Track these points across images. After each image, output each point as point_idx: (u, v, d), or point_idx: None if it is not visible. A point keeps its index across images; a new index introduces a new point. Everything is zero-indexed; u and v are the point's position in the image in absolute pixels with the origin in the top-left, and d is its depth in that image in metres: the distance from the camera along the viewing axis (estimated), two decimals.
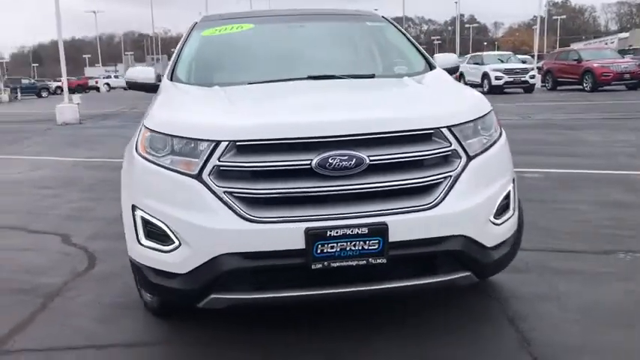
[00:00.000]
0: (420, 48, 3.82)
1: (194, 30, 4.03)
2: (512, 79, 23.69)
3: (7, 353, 2.86)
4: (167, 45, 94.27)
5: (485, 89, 23.38)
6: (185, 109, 2.91)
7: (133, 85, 3.81)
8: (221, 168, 2.47)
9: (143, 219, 2.62)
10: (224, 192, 2.45)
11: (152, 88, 3.69)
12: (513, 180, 2.91)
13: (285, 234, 2.39)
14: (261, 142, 2.48)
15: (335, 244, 2.40)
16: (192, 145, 2.53)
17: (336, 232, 2.40)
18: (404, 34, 3.98)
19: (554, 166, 7.21)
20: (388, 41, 4.05)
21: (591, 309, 3.11)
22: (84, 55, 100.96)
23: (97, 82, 59.66)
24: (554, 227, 4.57)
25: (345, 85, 3.35)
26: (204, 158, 2.48)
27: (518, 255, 3.03)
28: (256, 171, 2.47)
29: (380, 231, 2.42)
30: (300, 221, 2.41)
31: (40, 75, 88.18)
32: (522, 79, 23.74)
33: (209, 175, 2.47)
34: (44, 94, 48.04)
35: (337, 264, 2.43)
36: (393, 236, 2.44)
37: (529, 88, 23.99)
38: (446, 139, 2.59)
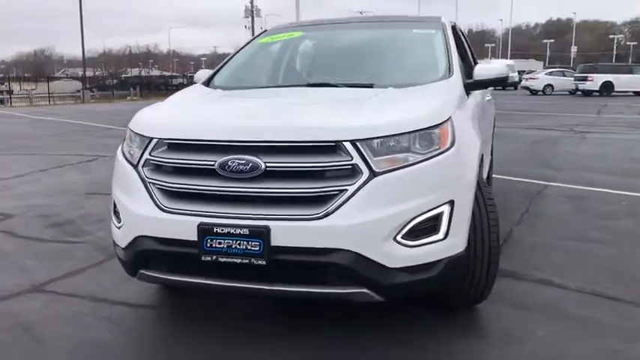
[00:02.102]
0: (452, 58, 3.63)
1: (259, 36, 4.42)
2: None
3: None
4: None
5: None
6: (157, 109, 3.31)
7: None
8: (150, 161, 2.84)
9: (112, 200, 3.13)
10: (149, 182, 2.81)
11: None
12: (452, 202, 2.71)
13: (183, 225, 2.67)
14: (176, 141, 2.79)
15: (222, 241, 2.60)
16: (139, 140, 2.95)
17: (222, 230, 2.59)
18: (446, 43, 3.80)
19: None
20: (423, 50, 3.93)
21: None
22: None
23: None
24: None
25: (316, 95, 3.42)
26: (141, 152, 2.88)
27: None
28: (172, 167, 2.78)
29: (261, 234, 2.54)
30: (196, 215, 2.66)
31: None
32: None
33: (142, 166, 2.86)
34: None
35: (224, 259, 2.61)
36: (275, 240, 2.54)
37: None
38: (348, 153, 2.57)
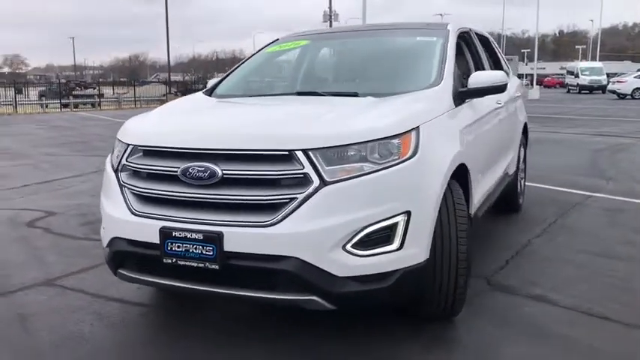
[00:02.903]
0: (445, 66, 3.56)
1: (269, 45, 4.53)
2: None
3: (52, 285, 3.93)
4: (521, 45, 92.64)
5: None
6: (142, 117, 3.43)
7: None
8: (126, 167, 3.00)
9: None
10: (124, 187, 2.98)
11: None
12: (408, 213, 2.69)
13: (148, 228, 2.80)
14: (146, 148, 2.94)
15: (181, 245, 2.71)
16: (120, 146, 3.13)
17: (180, 234, 2.71)
18: (443, 51, 3.74)
19: None
20: (418, 58, 3.90)
21: None
22: None
23: None
24: None
25: (293, 104, 3.48)
26: (120, 158, 3.05)
27: None
28: (144, 172, 2.93)
29: (213, 239, 2.64)
30: (159, 219, 2.79)
31: None
32: None
33: (120, 172, 3.04)
34: None
35: (182, 262, 2.73)
36: (228, 246, 2.63)
37: None
38: (300, 162, 2.61)
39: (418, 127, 2.87)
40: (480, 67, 4.51)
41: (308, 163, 2.60)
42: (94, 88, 37.62)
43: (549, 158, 9.44)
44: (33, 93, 37.82)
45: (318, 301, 2.64)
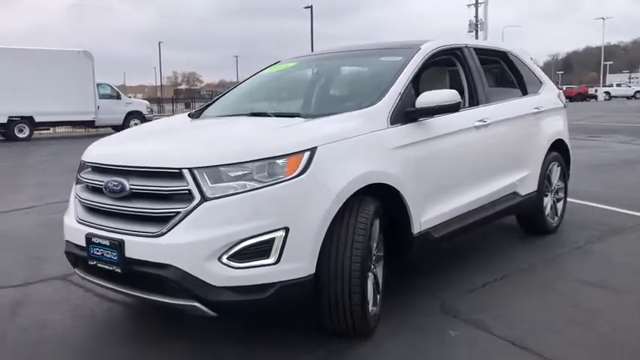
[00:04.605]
0: (391, 87, 3.62)
1: (269, 67, 4.83)
2: None
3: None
4: None
5: None
6: (108, 137, 3.91)
7: None
8: (78, 180, 3.48)
9: None
10: (76, 197, 3.45)
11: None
12: (286, 229, 2.84)
13: (80, 234, 3.23)
14: (87, 164, 3.40)
15: (98, 249, 3.11)
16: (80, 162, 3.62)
17: (96, 240, 3.11)
18: (398, 72, 3.78)
19: None
20: (373, 79, 3.98)
21: None
22: (605, 63, 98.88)
23: (596, 91, 58.12)
24: None
25: (229, 124, 3.77)
26: (77, 172, 3.54)
27: None
28: (85, 185, 3.38)
29: (117, 246, 2.99)
30: (87, 226, 3.21)
31: (564, 82, 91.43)
32: None
33: (76, 184, 3.52)
34: None
35: (100, 265, 3.12)
36: (128, 253, 2.97)
37: None
38: (185, 179, 2.89)
39: (316, 147, 3.01)
40: (472, 83, 4.42)
41: (192, 180, 2.87)
42: None
43: (604, 174, 8.81)
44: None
45: (200, 308, 2.88)
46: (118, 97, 24.40)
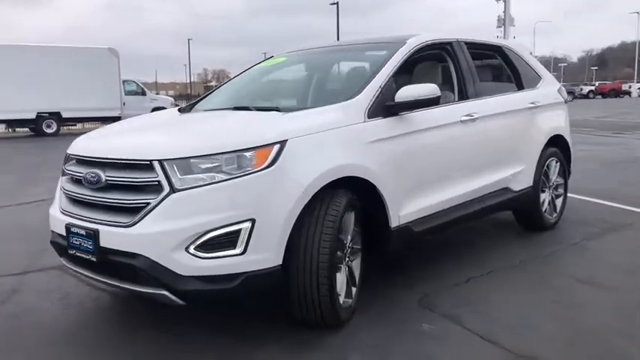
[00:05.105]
0: (371, 81, 3.63)
1: (265, 60, 4.89)
2: None
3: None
4: None
5: None
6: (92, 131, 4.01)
7: None
8: (64, 172, 3.58)
9: None
10: (61, 189, 3.56)
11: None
12: (253, 220, 2.89)
13: (61, 224, 3.33)
14: (71, 155, 3.50)
15: (77, 239, 3.21)
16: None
17: (74, 230, 3.20)
18: (380, 66, 3.79)
19: None
20: (356, 73, 3.99)
21: None
22: None
23: (629, 87, 56.81)
24: None
25: (209, 118, 3.84)
26: (63, 164, 3.64)
27: None
28: (69, 177, 3.48)
29: (91, 235, 3.08)
30: (68, 216, 3.31)
31: (599, 78, 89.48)
32: None
33: (62, 176, 3.62)
34: (569, 98, 49.22)
35: (78, 254, 3.22)
36: (103, 242, 3.06)
37: None
38: (155, 171, 2.96)
39: (286, 140, 3.05)
40: (461, 78, 4.40)
41: (161, 172, 2.94)
42: None
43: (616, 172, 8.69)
44: None
45: (169, 296, 2.95)
46: (143, 93, 24.85)
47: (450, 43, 4.46)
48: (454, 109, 4.18)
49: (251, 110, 3.79)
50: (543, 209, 5.27)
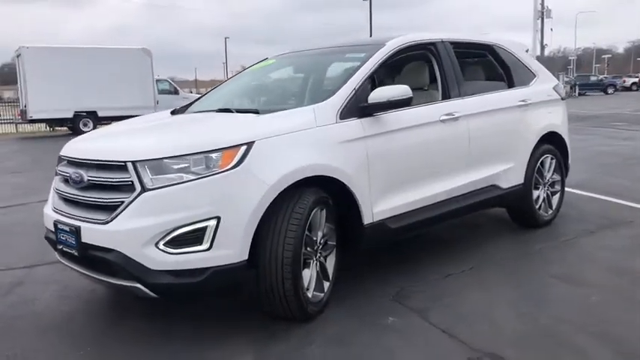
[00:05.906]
0: (346, 83, 3.77)
1: (260, 62, 5.06)
2: None
3: None
4: None
5: None
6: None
7: None
8: (57, 172, 3.83)
9: None
10: (53, 188, 3.81)
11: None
12: (218, 218, 3.06)
13: (51, 220, 3.59)
14: (62, 156, 3.74)
15: (63, 235, 3.45)
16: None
17: (60, 226, 3.45)
18: (356, 69, 3.92)
19: None
20: (333, 75, 4.11)
21: None
22: None
23: None
24: None
25: (188, 121, 4.05)
26: (56, 165, 3.89)
27: None
28: (61, 177, 3.72)
29: (73, 231, 3.32)
30: (57, 213, 3.56)
31: None
32: None
33: (55, 176, 3.87)
34: (610, 90, 48.09)
35: (65, 249, 3.46)
36: (84, 238, 3.29)
37: None
38: (128, 171, 3.17)
39: (253, 142, 3.22)
40: (444, 78, 4.48)
41: (134, 173, 3.15)
42: None
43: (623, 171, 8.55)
44: None
45: (142, 289, 3.16)
46: (176, 92, 25.39)
47: (433, 44, 4.55)
48: (434, 109, 4.27)
49: (232, 112, 3.98)
50: (537, 206, 5.30)
